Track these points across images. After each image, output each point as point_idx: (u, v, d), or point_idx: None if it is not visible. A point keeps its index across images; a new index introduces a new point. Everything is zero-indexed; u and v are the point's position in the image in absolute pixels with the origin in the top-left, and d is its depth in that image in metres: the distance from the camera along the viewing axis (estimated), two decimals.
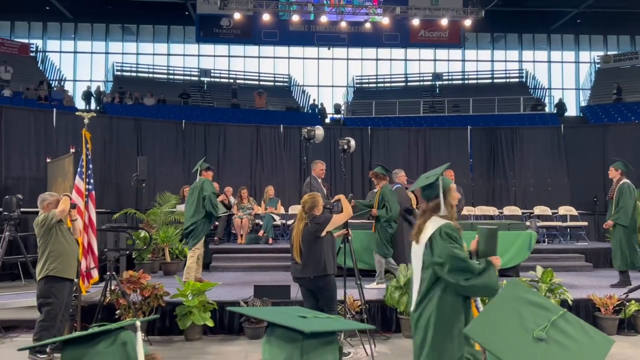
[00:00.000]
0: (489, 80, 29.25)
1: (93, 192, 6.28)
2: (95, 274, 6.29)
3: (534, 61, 30.01)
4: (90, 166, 6.27)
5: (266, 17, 19.56)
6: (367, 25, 22.43)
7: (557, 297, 6.54)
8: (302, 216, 5.07)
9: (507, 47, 30.36)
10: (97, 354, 1.25)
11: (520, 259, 9.01)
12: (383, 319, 6.67)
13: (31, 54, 27.17)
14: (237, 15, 20.17)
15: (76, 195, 6.10)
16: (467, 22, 20.00)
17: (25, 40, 27.53)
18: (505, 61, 30.15)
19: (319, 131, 6.54)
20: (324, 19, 21.41)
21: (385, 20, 20.35)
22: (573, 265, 10.16)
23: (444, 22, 20.61)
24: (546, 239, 12.17)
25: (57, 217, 5.46)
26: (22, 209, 9.57)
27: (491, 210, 13.15)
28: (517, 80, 28.91)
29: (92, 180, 6.27)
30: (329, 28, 24.93)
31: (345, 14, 21.68)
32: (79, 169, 6.23)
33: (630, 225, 7.97)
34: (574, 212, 12.85)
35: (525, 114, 23.03)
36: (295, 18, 21.18)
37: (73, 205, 5.79)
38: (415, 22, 21.01)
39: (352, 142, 6.46)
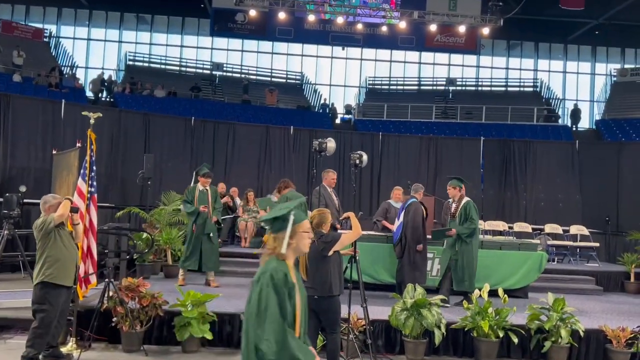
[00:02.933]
0: (503, 88, 28.84)
1: (95, 195, 6.12)
2: (93, 279, 6.13)
3: (549, 71, 29.56)
4: (94, 168, 6.11)
5: (282, 15, 19.32)
6: (384, 27, 22.11)
7: (568, 327, 6.32)
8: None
9: (522, 55, 29.92)
10: None
11: (529, 280, 8.85)
12: (387, 340, 6.45)
13: (44, 40, 27.06)
14: (252, 12, 19.97)
15: (78, 197, 5.93)
16: (485, 30, 19.67)
17: (40, 25, 27.42)
18: (520, 69, 29.70)
19: (331, 144, 6.37)
20: (340, 19, 21.15)
21: (402, 24, 20.05)
22: (583, 288, 9.92)
23: (462, 28, 20.29)
24: (556, 258, 11.92)
25: (55, 222, 5.28)
26: (25, 200, 9.48)
27: (500, 225, 12.89)
28: (531, 89, 28.50)
29: (94, 183, 6.11)
30: (344, 28, 24.59)
31: (362, 16, 21.38)
32: (82, 171, 6.07)
33: (475, 245, 7.68)
34: (585, 231, 12.56)
35: (538, 125, 22.71)
36: (311, 17, 20.91)
37: (75, 209, 5.60)
38: (432, 27, 20.70)
39: (365, 157, 6.27)
